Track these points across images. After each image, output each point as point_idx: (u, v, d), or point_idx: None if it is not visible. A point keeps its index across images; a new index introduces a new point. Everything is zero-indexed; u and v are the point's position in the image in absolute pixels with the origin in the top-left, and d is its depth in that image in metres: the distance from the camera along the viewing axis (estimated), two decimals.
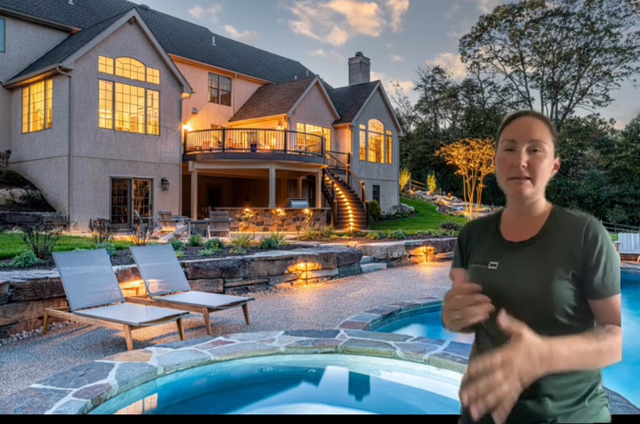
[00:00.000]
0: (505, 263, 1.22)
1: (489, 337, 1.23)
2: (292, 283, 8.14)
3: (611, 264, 1.13)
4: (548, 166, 1.21)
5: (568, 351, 1.00)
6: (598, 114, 67.02)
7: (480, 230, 1.34)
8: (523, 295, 1.16)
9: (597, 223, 1.16)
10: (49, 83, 15.61)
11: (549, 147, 1.21)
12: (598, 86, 42.32)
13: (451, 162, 25.70)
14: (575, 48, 40.96)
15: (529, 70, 45.34)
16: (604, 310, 1.13)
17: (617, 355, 1.07)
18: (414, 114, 50.76)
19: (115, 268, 5.85)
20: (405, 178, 32.97)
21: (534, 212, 1.24)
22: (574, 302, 1.14)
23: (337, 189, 21.15)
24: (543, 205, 1.24)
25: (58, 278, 5.15)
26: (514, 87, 45.40)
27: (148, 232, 9.56)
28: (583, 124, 44.16)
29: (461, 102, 47.53)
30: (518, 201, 1.22)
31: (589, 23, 39.44)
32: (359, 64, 29.77)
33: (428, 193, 34.47)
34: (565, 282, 1.13)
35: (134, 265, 6.16)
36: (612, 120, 51.86)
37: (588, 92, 42.33)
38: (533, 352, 0.97)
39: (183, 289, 5.85)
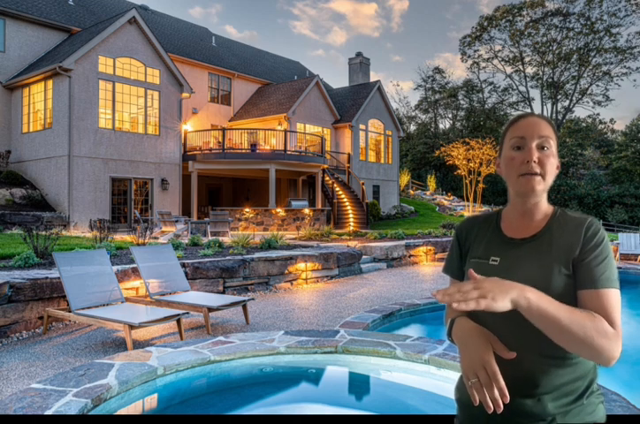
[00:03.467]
0: (506, 259, 1.23)
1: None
2: (292, 283, 8.14)
3: (602, 257, 1.13)
4: (554, 164, 1.23)
5: (546, 297, 1.04)
6: (598, 114, 67.09)
7: (480, 226, 1.35)
8: None
9: (597, 223, 1.18)
10: (49, 83, 15.61)
11: (555, 145, 1.23)
12: (598, 86, 42.28)
13: (451, 162, 25.73)
14: (575, 48, 40.91)
15: (529, 70, 45.39)
16: (590, 303, 1.09)
17: (604, 336, 1.02)
18: (414, 114, 50.71)
19: (115, 268, 5.85)
20: (405, 178, 32.95)
21: (538, 211, 1.25)
22: (574, 299, 1.15)
23: (337, 189, 21.14)
24: (545, 205, 1.26)
25: (58, 278, 5.15)
26: (514, 87, 45.36)
27: (148, 232, 9.56)
28: (583, 124, 44.11)
29: (461, 102, 47.46)
30: (526, 199, 1.23)
31: (589, 23, 39.39)
32: (359, 64, 29.76)
33: (428, 193, 34.44)
34: (565, 278, 1.14)
35: (134, 265, 6.16)
36: (612, 120, 51.83)
37: (588, 92, 42.29)
38: (503, 281, 1.03)
39: (183, 289, 5.85)
